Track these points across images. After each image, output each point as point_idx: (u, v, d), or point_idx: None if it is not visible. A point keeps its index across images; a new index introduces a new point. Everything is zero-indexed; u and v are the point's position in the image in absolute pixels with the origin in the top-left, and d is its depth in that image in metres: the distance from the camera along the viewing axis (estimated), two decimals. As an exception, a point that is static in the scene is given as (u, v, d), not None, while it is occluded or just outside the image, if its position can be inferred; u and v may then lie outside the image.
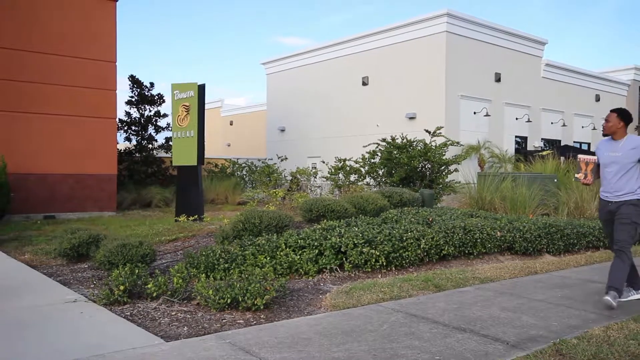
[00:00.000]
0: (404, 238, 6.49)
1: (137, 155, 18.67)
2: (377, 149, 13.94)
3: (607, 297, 4.78)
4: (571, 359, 3.49)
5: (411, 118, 20.47)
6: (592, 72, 27.18)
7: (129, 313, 4.58)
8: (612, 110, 5.15)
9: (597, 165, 5.24)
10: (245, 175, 20.52)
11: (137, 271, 5.12)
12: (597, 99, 27.46)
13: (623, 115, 5.08)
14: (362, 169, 14.28)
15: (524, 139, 23.64)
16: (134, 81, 18.88)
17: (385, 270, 6.33)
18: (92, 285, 5.62)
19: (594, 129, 26.88)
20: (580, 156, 5.34)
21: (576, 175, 5.37)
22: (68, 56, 13.33)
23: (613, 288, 4.82)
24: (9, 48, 12.61)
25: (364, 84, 22.52)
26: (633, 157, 4.99)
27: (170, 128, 18.64)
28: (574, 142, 25.67)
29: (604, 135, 5.21)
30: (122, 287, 4.81)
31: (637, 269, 5.16)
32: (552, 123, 24.73)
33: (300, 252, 6.16)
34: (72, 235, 7.10)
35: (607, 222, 5.22)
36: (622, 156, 5.00)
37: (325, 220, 7.84)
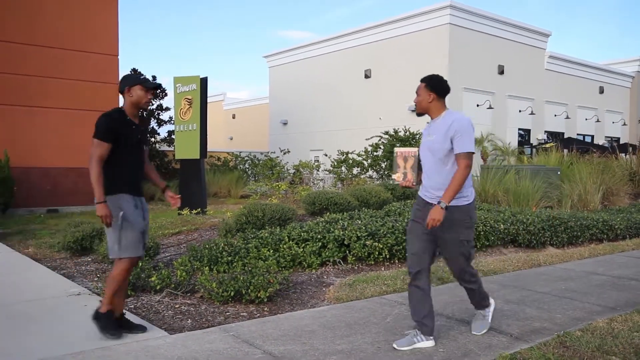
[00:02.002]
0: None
1: (139, 148, 18.65)
2: (380, 142, 13.93)
3: (475, 324, 3.93)
4: (575, 351, 3.48)
5: (414, 111, 20.38)
6: (596, 64, 27.01)
7: (132, 306, 4.59)
8: (421, 80, 3.76)
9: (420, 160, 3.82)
10: (248, 168, 20.51)
11: (140, 264, 5.12)
12: (601, 91, 27.32)
13: (434, 85, 3.68)
14: (364, 162, 14.27)
15: (527, 131, 23.56)
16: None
17: (388, 263, 6.33)
18: (95, 279, 5.64)
19: (598, 121, 26.76)
20: (397, 150, 3.95)
21: (393, 175, 3.97)
22: (70, 50, 13.31)
23: (483, 307, 3.94)
24: (11, 41, 12.59)
25: (367, 76, 22.44)
26: (446, 140, 3.55)
27: (172, 121, 18.62)
28: (578, 134, 25.57)
29: (417, 114, 3.86)
30: (125, 280, 4.81)
31: (432, 307, 3.74)
32: (555, 115, 24.63)
33: (303, 245, 6.16)
34: (76, 228, 7.12)
35: (415, 225, 3.70)
36: (437, 140, 3.60)
37: (328, 213, 7.84)
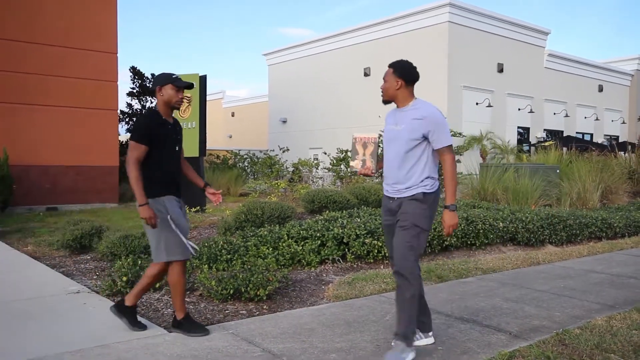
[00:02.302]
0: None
1: (138, 147, 18.64)
2: (380, 140, 13.92)
3: (390, 355, 3.21)
4: (574, 349, 3.49)
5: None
6: (595, 63, 27.02)
7: (132, 304, 4.59)
8: (389, 65, 3.52)
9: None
10: (247, 166, 20.51)
11: (139, 262, 5.13)
12: (600, 89, 27.33)
13: (402, 70, 3.45)
14: (364, 160, 14.21)
15: (527, 129, 23.56)
16: (135, 73, 18.84)
17: (387, 261, 6.33)
18: (94, 277, 5.64)
19: (597, 119, 26.76)
20: (356, 135, 3.71)
21: (351, 162, 3.73)
22: (69, 47, 13.27)
23: (399, 336, 3.25)
24: (11, 39, 12.57)
25: (366, 74, 22.42)
26: (417, 132, 3.34)
27: (171, 119, 18.53)
28: (577, 132, 25.58)
29: (384, 102, 3.59)
30: (124, 278, 4.81)
31: (426, 303, 3.62)
32: (554, 114, 24.63)
33: (302, 243, 6.16)
34: (75, 226, 7.11)
35: (388, 227, 3.53)
36: (405, 130, 3.38)
37: (327, 211, 7.85)
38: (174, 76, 3.79)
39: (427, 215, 3.36)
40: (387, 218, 3.53)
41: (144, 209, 3.51)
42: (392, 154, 3.46)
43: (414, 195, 3.35)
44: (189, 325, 3.75)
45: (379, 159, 3.65)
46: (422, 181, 3.37)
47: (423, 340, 3.58)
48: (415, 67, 3.50)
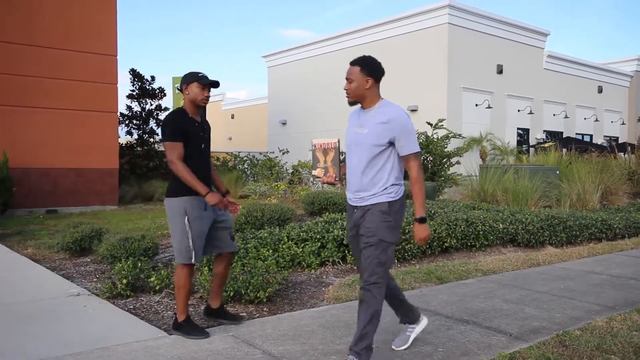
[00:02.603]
0: (406, 230, 6.49)
1: (138, 149, 18.65)
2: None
3: None
4: (574, 350, 3.49)
5: (413, 110, 20.41)
6: (594, 64, 27.03)
7: (132, 306, 4.59)
8: (352, 63, 3.21)
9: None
10: (247, 168, 20.48)
11: (139, 265, 5.13)
12: (600, 90, 27.34)
13: (371, 69, 3.19)
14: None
15: (526, 130, 23.57)
16: (135, 75, 18.81)
17: (387, 263, 6.32)
18: (95, 279, 5.64)
19: (597, 120, 26.78)
20: (315, 141, 3.48)
21: (313, 172, 3.48)
22: (69, 50, 13.29)
23: (353, 352, 3.05)
24: (10, 42, 12.58)
25: (366, 76, 22.42)
26: (382, 138, 3.13)
27: (171, 122, 18.49)
28: (576, 133, 25.58)
29: (350, 103, 3.30)
30: (124, 281, 4.81)
31: (405, 299, 3.57)
32: (554, 115, 24.63)
33: (302, 245, 6.16)
34: (75, 229, 7.11)
35: (353, 238, 3.32)
36: (369, 135, 3.15)
37: (327, 213, 7.85)
38: (199, 74, 3.81)
39: (393, 227, 3.15)
40: (352, 230, 3.31)
41: (211, 196, 3.59)
42: (355, 159, 3.20)
43: (377, 204, 3.13)
44: (189, 327, 3.76)
45: (342, 164, 3.41)
46: (386, 189, 3.14)
47: (417, 328, 3.61)
48: (380, 64, 3.24)
